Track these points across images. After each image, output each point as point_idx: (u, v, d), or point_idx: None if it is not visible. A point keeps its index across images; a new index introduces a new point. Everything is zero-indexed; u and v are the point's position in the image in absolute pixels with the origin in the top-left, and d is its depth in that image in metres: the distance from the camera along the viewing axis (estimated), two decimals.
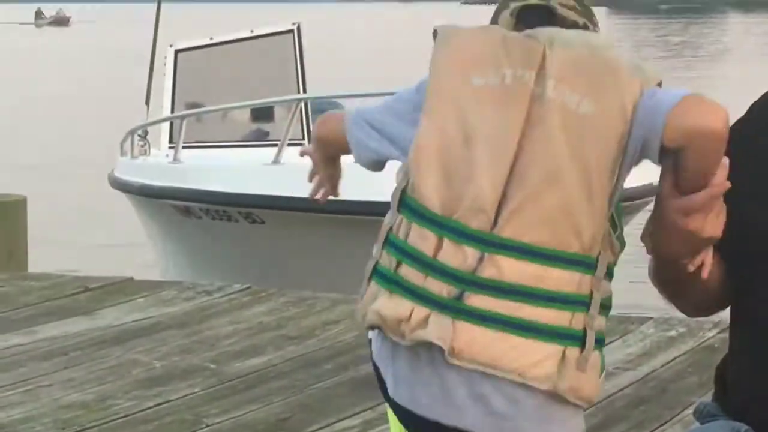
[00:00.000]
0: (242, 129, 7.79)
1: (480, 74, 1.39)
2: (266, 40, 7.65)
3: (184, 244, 7.07)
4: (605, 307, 1.41)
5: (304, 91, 7.58)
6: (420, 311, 1.37)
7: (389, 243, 1.42)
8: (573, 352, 1.36)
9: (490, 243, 1.35)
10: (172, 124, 7.17)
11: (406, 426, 1.48)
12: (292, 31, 7.57)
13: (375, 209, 5.23)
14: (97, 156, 10.06)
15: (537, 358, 1.35)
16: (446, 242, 1.37)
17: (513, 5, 1.49)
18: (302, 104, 7.17)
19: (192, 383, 3.10)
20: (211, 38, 7.66)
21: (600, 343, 1.40)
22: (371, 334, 1.49)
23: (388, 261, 1.42)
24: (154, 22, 7.82)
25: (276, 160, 6.41)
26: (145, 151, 7.31)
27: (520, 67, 1.38)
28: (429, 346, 1.38)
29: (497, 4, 1.58)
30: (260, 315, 3.99)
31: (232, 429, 2.82)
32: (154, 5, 7.98)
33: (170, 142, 7.14)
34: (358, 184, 6.07)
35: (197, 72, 7.58)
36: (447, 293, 1.36)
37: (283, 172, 6.38)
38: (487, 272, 1.35)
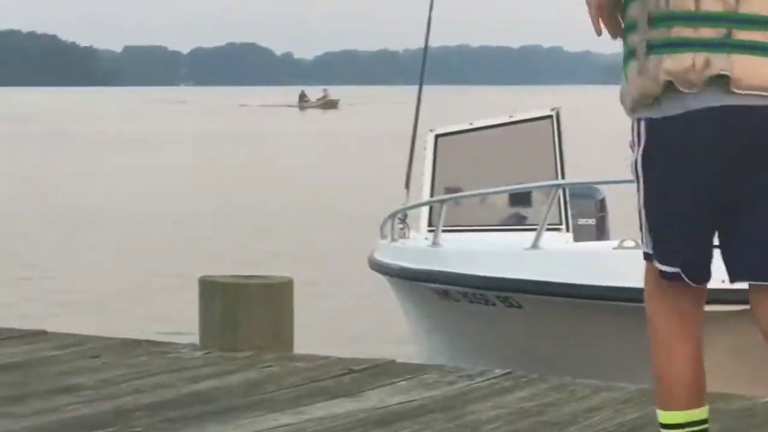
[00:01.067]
0: (500, 213, 8.01)
1: None
2: (525, 125, 7.89)
3: (442, 326, 7.29)
4: None
5: (563, 177, 7.74)
6: (700, 57, 1.73)
7: (655, 20, 1.77)
8: None
9: None
10: (431, 208, 7.46)
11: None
12: (551, 116, 7.83)
13: (631, 295, 5.10)
14: (357, 238, 10.56)
15: None
16: None
17: None
18: (560, 190, 7.37)
19: None
20: (471, 123, 7.99)
21: None
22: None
23: (659, 33, 1.77)
24: (415, 107, 8.22)
25: (534, 245, 6.58)
26: (405, 234, 7.63)
27: None
28: (711, 89, 1.72)
29: None
30: (521, 401, 3.99)
31: None
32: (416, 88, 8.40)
33: (429, 225, 7.42)
34: (614, 270, 5.96)
35: (456, 156, 7.91)
36: (717, 34, 1.72)
37: (541, 257, 6.61)
38: (746, 8, 1.72)
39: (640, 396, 3.67)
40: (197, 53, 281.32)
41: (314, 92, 67.48)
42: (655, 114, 1.78)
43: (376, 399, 3.94)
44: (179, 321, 7.91)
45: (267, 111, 59.14)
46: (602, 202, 8.14)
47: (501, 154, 7.87)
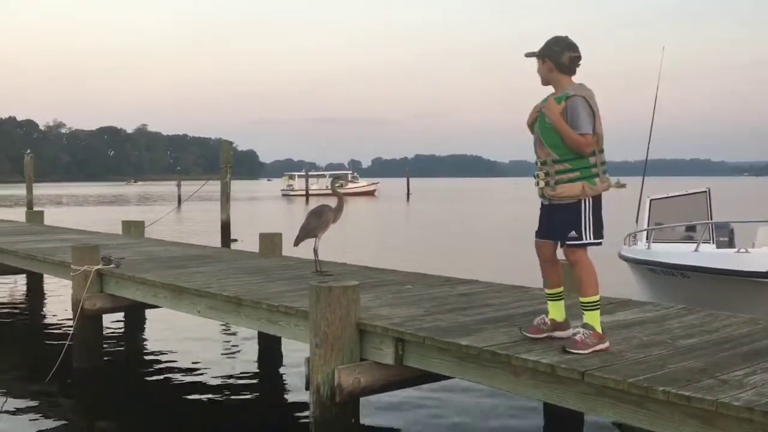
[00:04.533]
0: (680, 235, 13.87)
1: None
2: (692, 196, 14.03)
3: (653, 287, 12.77)
4: None
5: (711, 218, 13.34)
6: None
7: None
8: None
9: None
10: (648, 231, 14.54)
11: None
12: (705, 192, 13.80)
13: (743, 275, 10.72)
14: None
15: None
16: None
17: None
18: (710, 224, 12.98)
19: None
20: (667, 194, 14.27)
21: None
22: None
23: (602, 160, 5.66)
24: (641, 182, 15.44)
25: (696, 249, 11.99)
26: (635, 243, 14.28)
27: None
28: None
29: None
30: (693, 321, 6.46)
31: None
32: None
33: (646, 239, 14.11)
34: (736, 260, 13.10)
35: (659, 207, 14.11)
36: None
37: (700, 253, 11.80)
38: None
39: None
40: None
41: (613, 180, 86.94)
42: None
43: (622, 316, 6.95)
44: None
45: None
46: (732, 231, 13.53)
47: (682, 207, 14.62)
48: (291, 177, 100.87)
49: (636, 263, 13.44)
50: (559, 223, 5.75)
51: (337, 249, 24.17)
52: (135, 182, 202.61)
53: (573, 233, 5.70)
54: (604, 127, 5.74)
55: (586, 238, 5.70)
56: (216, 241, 24.23)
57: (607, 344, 5.74)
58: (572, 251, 5.73)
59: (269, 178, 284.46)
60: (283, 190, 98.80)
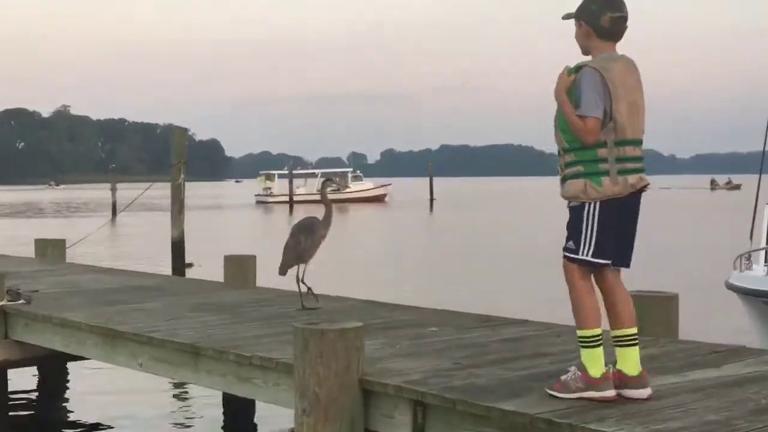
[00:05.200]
0: None
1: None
2: None
3: None
4: None
5: None
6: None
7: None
8: None
9: None
10: (766, 251, 14.81)
11: None
12: None
13: None
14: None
15: None
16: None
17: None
18: None
19: None
20: None
21: None
22: None
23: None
24: (756, 189, 15.56)
25: None
26: (750, 267, 14.95)
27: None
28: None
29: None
30: None
31: None
32: None
33: (766, 261, 14.72)
34: None
35: None
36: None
37: None
38: None
39: None
40: None
41: (722, 179, 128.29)
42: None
43: (732, 369, 6.75)
44: None
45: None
46: None
47: None
48: (269, 177, 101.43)
49: (752, 295, 14.01)
50: (568, 230, 6.17)
51: (332, 277, 24.23)
52: (57, 185, 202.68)
53: (570, 243, 6.12)
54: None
55: (582, 253, 6.08)
56: (165, 266, 24.32)
57: (606, 393, 6.01)
58: (565, 266, 6.14)
59: (238, 179, 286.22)
60: (259, 195, 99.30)
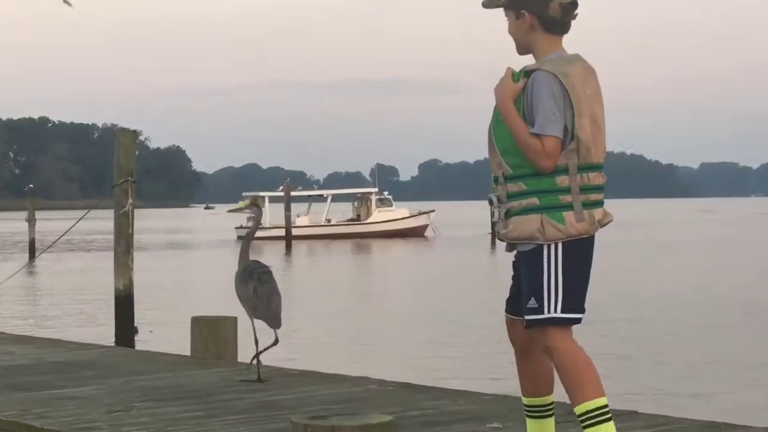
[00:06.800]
0: None
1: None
2: None
3: None
4: None
5: None
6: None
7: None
8: None
9: None
10: None
11: None
12: None
13: None
14: None
15: None
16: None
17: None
18: None
19: None
20: None
21: None
22: None
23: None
24: None
25: None
26: None
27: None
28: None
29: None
30: None
31: None
32: None
33: None
34: None
35: None
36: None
37: None
38: None
39: None
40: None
41: None
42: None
43: None
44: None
45: None
46: None
47: None
48: (254, 202, 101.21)
49: None
50: (524, 285, 6.70)
51: (351, 350, 24.29)
52: None
53: (532, 301, 6.58)
54: None
55: (550, 310, 6.53)
56: (105, 333, 24.38)
57: None
58: (542, 332, 6.60)
59: (209, 204, 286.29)
60: (241, 227, 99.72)
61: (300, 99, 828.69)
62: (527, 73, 6.49)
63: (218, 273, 56.92)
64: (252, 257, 11.47)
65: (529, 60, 6.68)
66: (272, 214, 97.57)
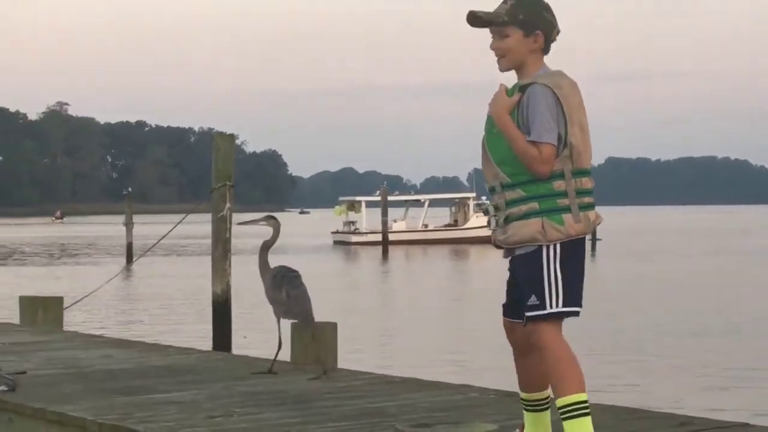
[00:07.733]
0: None
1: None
2: None
3: None
4: None
5: None
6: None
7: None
8: None
9: None
10: None
11: None
12: None
13: None
14: None
15: None
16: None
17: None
18: None
19: None
20: None
21: None
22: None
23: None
24: None
25: None
26: None
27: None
28: None
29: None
30: None
31: None
32: None
33: None
34: None
35: None
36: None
37: None
38: None
39: None
40: None
41: None
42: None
43: None
44: None
45: None
46: None
47: None
48: (352, 206, 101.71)
49: None
50: (524, 285, 7.20)
51: (452, 360, 24.22)
52: (59, 218, 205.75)
53: (533, 298, 7.12)
54: None
55: (551, 306, 7.11)
56: (204, 338, 24.46)
57: None
58: (535, 327, 7.14)
59: (304, 210, 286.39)
60: (338, 232, 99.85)
61: (397, 103, 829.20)
62: (522, 88, 7.09)
63: (315, 279, 56.87)
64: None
65: (510, 76, 7.29)
66: (369, 219, 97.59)
